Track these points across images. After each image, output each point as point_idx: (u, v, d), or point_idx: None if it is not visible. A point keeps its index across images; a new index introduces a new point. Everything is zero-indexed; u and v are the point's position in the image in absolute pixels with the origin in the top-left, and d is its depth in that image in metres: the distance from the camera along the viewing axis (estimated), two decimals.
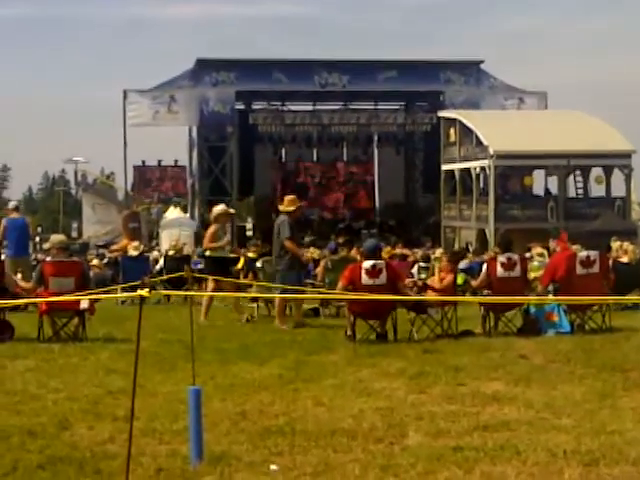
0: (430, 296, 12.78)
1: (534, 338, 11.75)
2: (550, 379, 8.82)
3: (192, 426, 6.05)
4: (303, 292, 14.07)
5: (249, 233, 39.95)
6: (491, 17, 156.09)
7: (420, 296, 12.81)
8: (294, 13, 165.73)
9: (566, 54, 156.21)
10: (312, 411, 7.56)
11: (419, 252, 24.92)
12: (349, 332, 12.01)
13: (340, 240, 34.22)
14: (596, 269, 12.98)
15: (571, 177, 37.21)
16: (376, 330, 12.07)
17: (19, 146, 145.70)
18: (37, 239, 42.54)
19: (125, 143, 41.79)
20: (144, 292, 5.52)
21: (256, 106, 44.76)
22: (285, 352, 10.65)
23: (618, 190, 35.62)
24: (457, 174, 37.15)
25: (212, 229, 15.13)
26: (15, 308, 13.36)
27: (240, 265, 17.52)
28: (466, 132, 36.30)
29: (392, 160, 46.33)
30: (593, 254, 13.09)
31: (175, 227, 38.10)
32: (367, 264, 12.00)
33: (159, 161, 44.85)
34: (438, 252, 24.54)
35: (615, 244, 21.84)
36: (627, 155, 34.82)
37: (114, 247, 33.32)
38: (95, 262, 23.70)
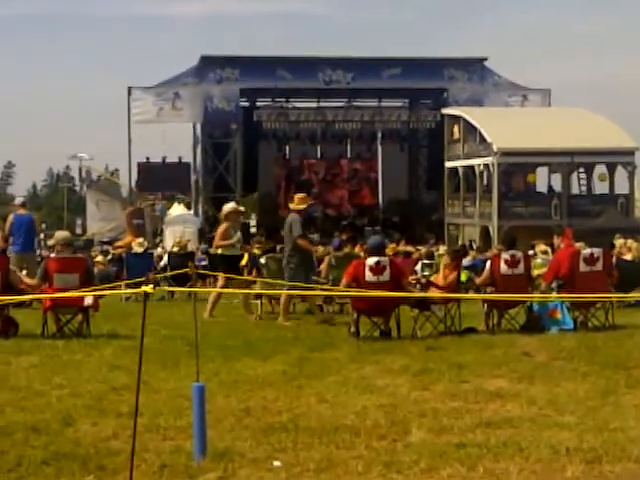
0: (433, 293, 12.78)
1: (537, 335, 11.75)
2: (553, 376, 8.82)
3: (196, 422, 6.06)
4: (311, 290, 14.10)
5: (253, 230, 40.00)
6: (495, 14, 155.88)
7: (423, 293, 12.81)
8: (298, 10, 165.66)
9: (570, 51, 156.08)
10: (315, 408, 7.57)
11: (423, 249, 24.90)
12: (352, 329, 12.01)
13: (344, 237, 34.21)
14: (599, 267, 12.98)
15: (575, 174, 37.23)
16: (380, 327, 12.07)
17: (23, 142, 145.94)
18: (41, 236, 42.55)
19: (129, 140, 41.85)
20: (148, 288, 5.53)
21: (260, 103, 44.79)
22: (289, 349, 10.66)
23: (621, 187, 35.65)
24: (461, 171, 37.16)
25: (223, 227, 15.14)
26: (19, 304, 13.38)
27: (244, 262, 17.53)
28: (470, 129, 36.31)
29: (396, 157, 46.35)
30: (597, 251, 13.09)
31: (179, 224, 38.15)
32: (371, 261, 12.01)
33: (163, 158, 44.84)
34: (442, 249, 24.56)
35: (618, 241, 21.84)
36: (630, 152, 34.82)
37: (118, 244, 33.37)
38: (99, 258, 23.72)
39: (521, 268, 12.86)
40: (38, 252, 23.45)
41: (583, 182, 37.56)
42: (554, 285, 13.21)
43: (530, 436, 6.50)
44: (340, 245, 26.57)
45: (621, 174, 35.37)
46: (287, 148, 46.35)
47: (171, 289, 18.07)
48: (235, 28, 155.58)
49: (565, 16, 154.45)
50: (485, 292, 13.15)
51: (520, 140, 33.68)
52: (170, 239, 33.20)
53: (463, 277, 14.03)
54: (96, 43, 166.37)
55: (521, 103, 43.20)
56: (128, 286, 16.59)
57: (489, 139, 34.12)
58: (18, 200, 19.10)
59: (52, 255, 13.38)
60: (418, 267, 18.89)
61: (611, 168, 35.57)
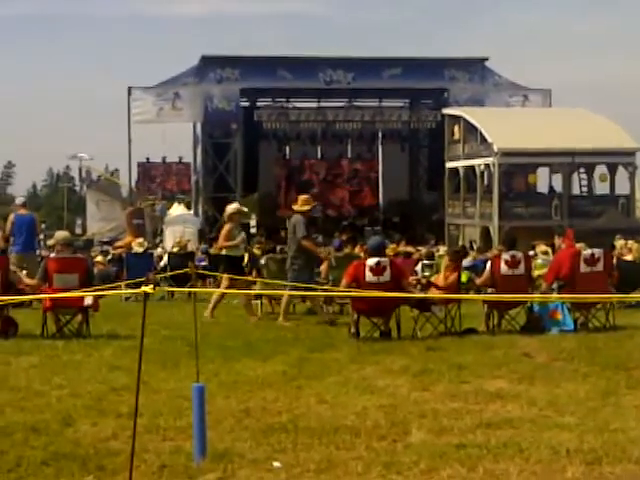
0: (434, 294, 12.78)
1: (538, 336, 11.74)
2: (553, 377, 8.82)
3: (196, 423, 6.06)
4: (315, 291, 14.10)
5: (253, 230, 40.00)
6: (496, 14, 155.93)
7: (424, 294, 12.81)
8: (299, 10, 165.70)
9: (571, 51, 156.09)
10: (315, 408, 7.56)
11: (423, 250, 24.91)
12: (353, 330, 12.01)
13: (344, 237, 34.26)
14: (600, 267, 12.97)
15: (575, 175, 37.22)
16: (380, 328, 12.07)
17: (23, 142, 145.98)
18: (41, 236, 42.55)
19: (129, 140, 41.84)
20: (148, 289, 5.52)
21: (261, 103, 44.78)
22: (288, 349, 10.66)
23: (622, 188, 35.64)
24: (461, 171, 37.15)
25: (227, 228, 15.13)
26: (19, 304, 13.37)
27: (244, 262, 17.53)
28: (470, 129, 36.31)
29: (396, 157, 46.33)
30: (597, 252, 13.08)
31: (179, 224, 38.14)
32: (371, 261, 12.00)
33: (163, 158, 44.86)
34: (442, 250, 24.56)
35: (619, 242, 21.86)
36: (631, 153, 34.82)
37: (118, 244, 33.38)
38: (99, 259, 23.73)
39: (521, 269, 12.86)
40: (38, 252, 23.46)
41: (584, 182, 37.56)
42: (554, 286, 13.20)
43: (530, 437, 6.50)
44: (340, 245, 26.61)
45: (622, 175, 35.37)
46: (287, 148, 46.34)
47: (171, 289, 18.08)
48: (235, 28, 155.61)
49: (566, 16, 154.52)
50: (485, 293, 13.14)
51: (521, 140, 33.68)
52: (170, 239, 33.21)
53: (463, 278, 14.03)
54: (96, 43, 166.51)
55: (522, 103, 43.18)
56: (128, 286, 16.60)
57: (490, 139, 34.11)
58: (19, 200, 19.10)
59: (52, 255, 13.37)
60: (418, 267, 18.90)
61: (612, 168, 35.56)
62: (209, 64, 41.58)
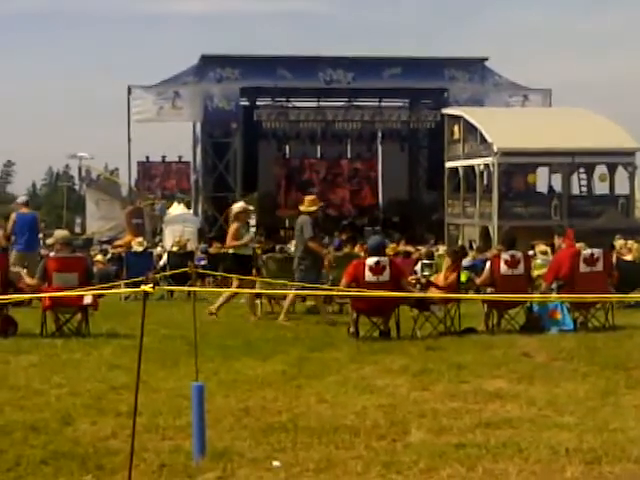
0: (433, 293, 12.78)
1: (537, 336, 11.75)
2: (553, 377, 8.82)
3: (195, 422, 6.06)
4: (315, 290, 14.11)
5: (252, 229, 39.94)
6: (497, 13, 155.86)
7: (423, 293, 12.81)
8: (299, 9, 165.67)
9: (570, 51, 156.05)
10: (315, 408, 7.56)
11: (422, 249, 24.91)
12: (352, 329, 12.01)
13: (344, 237, 34.27)
14: (600, 267, 12.97)
15: (575, 175, 37.21)
16: (379, 327, 12.07)
17: (23, 141, 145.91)
18: (40, 235, 42.52)
19: (129, 139, 41.82)
20: (148, 288, 5.53)
21: (260, 102, 44.76)
22: (288, 349, 10.66)
23: (622, 188, 35.61)
24: (461, 171, 37.13)
25: (234, 227, 15.08)
26: (19, 303, 13.37)
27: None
28: (470, 129, 36.29)
29: (396, 157, 46.31)
30: (597, 252, 13.08)
31: (179, 223, 38.11)
32: (371, 261, 12.01)
33: (163, 157, 44.83)
34: (442, 249, 24.55)
35: (619, 242, 21.85)
36: (631, 153, 34.79)
37: (118, 243, 33.39)
38: (99, 258, 23.72)
39: (521, 268, 12.86)
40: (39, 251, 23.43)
41: (583, 182, 37.54)
42: (554, 285, 13.20)
43: (529, 437, 6.50)
44: (340, 245, 26.61)
45: (622, 175, 35.34)
46: (287, 148, 46.33)
47: (170, 288, 18.08)
48: (236, 27, 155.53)
49: (568, 15, 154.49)
50: (485, 292, 13.14)
51: (520, 140, 33.66)
52: (170, 238, 33.16)
53: (463, 277, 14.03)
54: (96, 42, 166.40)
55: (522, 103, 43.16)
56: (127, 285, 16.60)
57: (489, 139, 34.09)
58: (21, 199, 19.10)
59: (51, 254, 13.37)
60: (418, 267, 18.90)
61: (612, 168, 35.54)
62: (209, 63, 41.56)
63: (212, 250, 26.11)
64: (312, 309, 15.51)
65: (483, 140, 34.71)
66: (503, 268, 12.77)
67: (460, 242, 34.20)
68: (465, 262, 18.24)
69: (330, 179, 45.59)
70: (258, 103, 44.52)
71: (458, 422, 6.97)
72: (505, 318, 12.75)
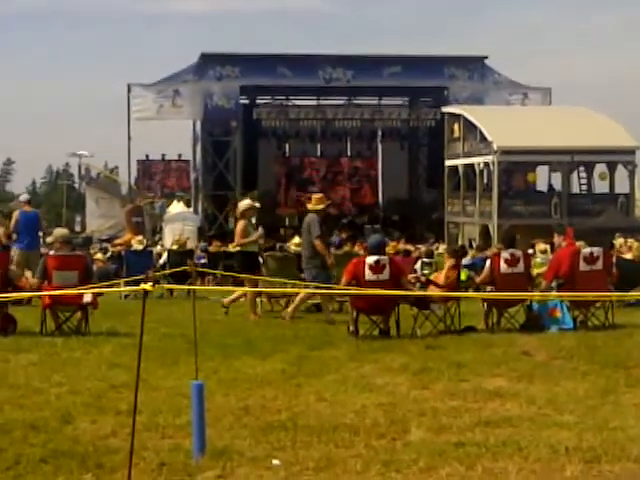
0: (433, 292, 12.77)
1: (537, 334, 11.74)
2: (553, 375, 8.81)
3: (195, 421, 6.06)
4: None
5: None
6: (495, 12, 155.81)
7: (423, 292, 12.80)
8: (299, 7, 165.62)
9: (570, 51, 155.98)
10: (314, 406, 7.56)
11: (422, 248, 24.92)
12: (352, 328, 12.00)
13: (343, 235, 34.26)
14: (599, 266, 12.97)
15: (575, 173, 37.23)
16: (379, 326, 12.07)
17: (23, 139, 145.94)
18: (40, 233, 42.51)
19: (129, 137, 41.85)
20: (147, 286, 5.52)
21: (260, 101, 44.80)
22: (288, 347, 10.65)
23: (622, 186, 35.65)
24: (461, 170, 37.16)
25: (241, 225, 15.04)
26: (18, 302, 13.37)
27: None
28: (470, 128, 36.31)
29: (396, 155, 46.36)
30: (597, 250, 13.07)
31: (178, 221, 38.15)
32: (370, 259, 12.00)
33: (163, 155, 44.85)
34: (441, 248, 24.55)
35: (618, 240, 21.86)
36: (631, 151, 34.83)
37: (117, 241, 33.40)
38: (98, 256, 23.74)
39: (521, 267, 12.85)
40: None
41: (583, 181, 37.57)
42: (554, 284, 13.19)
43: (529, 435, 6.50)
44: (340, 243, 26.59)
45: (621, 173, 35.39)
46: (287, 146, 46.38)
47: (170, 287, 18.08)
48: (236, 25, 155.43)
49: (568, 15, 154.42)
50: (485, 291, 13.14)
51: (520, 139, 33.69)
52: (169, 237, 33.19)
53: (463, 276, 14.02)
54: (96, 41, 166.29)
55: (522, 101, 43.22)
56: (127, 284, 16.59)
57: (489, 137, 34.12)
58: (23, 197, 19.10)
59: (51, 252, 13.37)
60: (418, 266, 18.90)
61: (611, 167, 35.57)
62: (209, 61, 41.59)
63: (212, 248, 26.11)
64: (311, 308, 15.51)
65: (483, 138, 34.73)
66: (503, 267, 12.76)
67: (460, 241, 34.24)
68: (465, 261, 18.25)
69: (330, 177, 45.63)
70: (258, 101, 44.56)
71: (458, 421, 6.96)
72: (505, 317, 12.74)
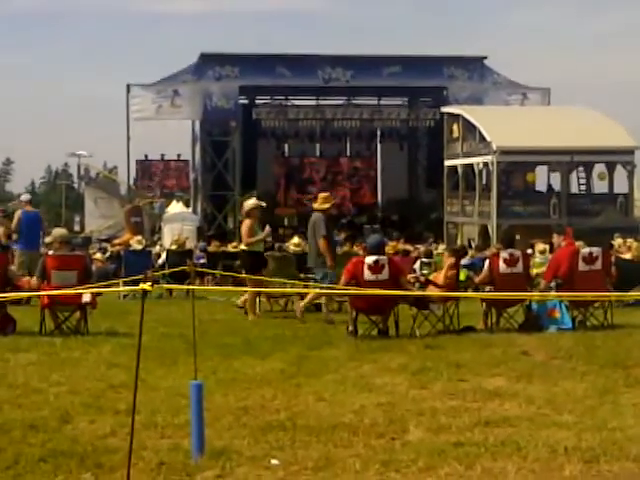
0: (432, 292, 12.77)
1: (536, 334, 11.75)
2: (552, 375, 8.82)
3: (194, 420, 6.06)
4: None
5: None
6: (494, 12, 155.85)
7: (422, 292, 12.80)
8: (298, 8, 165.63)
9: (571, 51, 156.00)
10: (313, 406, 7.56)
11: (421, 248, 24.92)
12: (351, 328, 12.01)
13: (343, 235, 34.24)
14: (598, 266, 12.98)
15: (574, 173, 37.22)
16: (378, 326, 12.07)
17: (22, 139, 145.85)
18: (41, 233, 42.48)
19: (128, 137, 41.82)
20: (146, 286, 5.52)
21: (259, 101, 44.77)
22: (287, 347, 10.65)
23: (621, 187, 35.64)
24: (460, 170, 37.15)
25: (247, 224, 14.99)
26: (17, 301, 13.37)
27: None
28: (469, 128, 36.30)
29: (395, 155, 46.33)
30: (596, 251, 13.09)
31: (178, 221, 38.13)
32: (370, 259, 12.00)
33: (162, 155, 44.83)
34: (441, 248, 24.54)
35: (617, 240, 21.86)
36: (630, 151, 34.82)
37: (116, 241, 33.40)
38: (97, 256, 23.73)
39: (520, 267, 12.86)
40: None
41: (582, 181, 37.55)
42: (553, 284, 13.20)
43: (528, 435, 6.50)
44: (339, 243, 26.51)
45: (620, 173, 35.38)
46: (286, 146, 46.33)
47: (169, 287, 18.06)
48: (235, 25, 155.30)
49: (568, 15, 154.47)
50: (484, 291, 13.14)
51: (520, 139, 33.68)
52: (168, 237, 33.16)
53: (462, 276, 14.02)
54: (95, 40, 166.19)
55: (521, 102, 43.19)
56: (126, 284, 16.58)
57: (488, 138, 34.11)
58: (25, 197, 19.10)
59: (50, 252, 13.37)
60: (417, 266, 18.89)
61: (610, 167, 35.56)
62: (208, 62, 41.56)
63: (211, 248, 26.11)
64: (311, 308, 15.50)
65: (482, 139, 34.73)
66: (502, 267, 12.76)
67: (459, 241, 34.23)
68: (464, 261, 18.23)
69: (329, 178, 45.60)
70: (257, 101, 44.53)
71: (457, 420, 6.96)
72: (504, 317, 12.75)
